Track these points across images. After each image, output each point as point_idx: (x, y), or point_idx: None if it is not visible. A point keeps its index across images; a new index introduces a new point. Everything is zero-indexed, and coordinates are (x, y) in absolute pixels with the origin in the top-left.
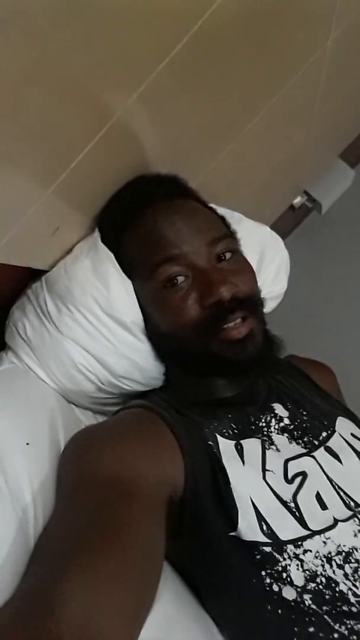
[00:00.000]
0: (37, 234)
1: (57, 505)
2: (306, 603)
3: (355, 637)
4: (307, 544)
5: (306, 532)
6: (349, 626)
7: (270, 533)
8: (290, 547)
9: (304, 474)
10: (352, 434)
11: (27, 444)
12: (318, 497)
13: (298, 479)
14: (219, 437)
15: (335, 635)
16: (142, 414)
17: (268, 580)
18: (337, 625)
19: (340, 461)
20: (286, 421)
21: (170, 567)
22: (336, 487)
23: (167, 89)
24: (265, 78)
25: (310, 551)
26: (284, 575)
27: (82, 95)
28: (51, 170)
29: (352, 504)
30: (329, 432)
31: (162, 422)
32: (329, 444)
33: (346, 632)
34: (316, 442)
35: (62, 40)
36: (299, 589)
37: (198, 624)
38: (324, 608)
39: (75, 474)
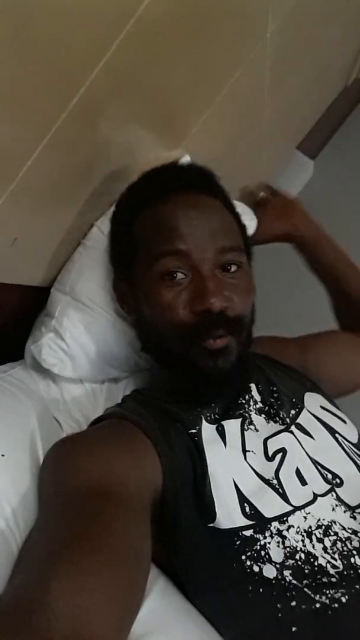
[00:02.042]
0: None
1: (41, 511)
2: (287, 579)
3: (336, 605)
4: (290, 520)
5: (290, 508)
6: (329, 595)
7: (253, 514)
8: (274, 524)
9: (283, 450)
10: (321, 407)
11: (2, 455)
12: (298, 473)
13: (278, 456)
14: (203, 421)
15: (317, 606)
16: (118, 423)
17: (248, 563)
18: (318, 596)
19: (311, 437)
20: (260, 404)
21: (156, 567)
22: (313, 461)
23: (107, 89)
24: (209, 72)
25: (293, 526)
26: (263, 553)
27: (21, 107)
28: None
29: (329, 476)
30: (298, 409)
31: (137, 429)
32: (298, 420)
33: (327, 602)
34: (287, 420)
35: None
36: (278, 565)
37: (187, 615)
38: (304, 582)
39: (59, 482)
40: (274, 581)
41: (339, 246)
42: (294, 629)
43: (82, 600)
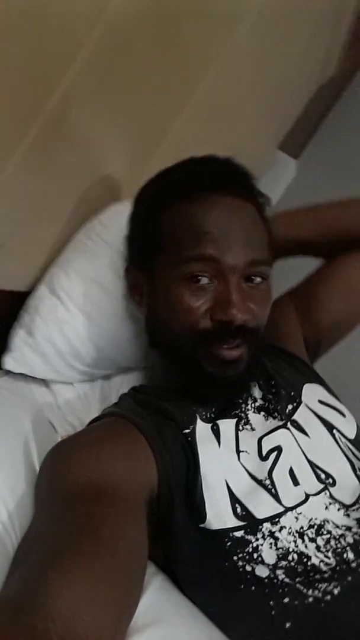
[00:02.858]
0: None
1: (37, 512)
2: (279, 577)
3: (329, 597)
4: (282, 521)
5: (282, 509)
6: (322, 589)
7: (244, 515)
8: (266, 525)
9: (278, 449)
10: (319, 401)
11: None
12: (291, 472)
13: (273, 455)
14: (198, 420)
15: (310, 600)
16: (114, 422)
17: (240, 563)
18: (310, 591)
19: (307, 434)
20: (260, 401)
21: (154, 565)
22: (308, 460)
23: (82, 93)
24: (183, 73)
25: (285, 527)
26: (255, 555)
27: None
28: None
29: (322, 475)
30: (295, 404)
31: (134, 428)
32: (295, 417)
33: (320, 595)
34: (283, 417)
35: None
36: (270, 567)
37: (185, 608)
38: (297, 579)
39: (56, 482)
40: (266, 580)
41: (312, 209)
42: (287, 624)
43: (80, 601)
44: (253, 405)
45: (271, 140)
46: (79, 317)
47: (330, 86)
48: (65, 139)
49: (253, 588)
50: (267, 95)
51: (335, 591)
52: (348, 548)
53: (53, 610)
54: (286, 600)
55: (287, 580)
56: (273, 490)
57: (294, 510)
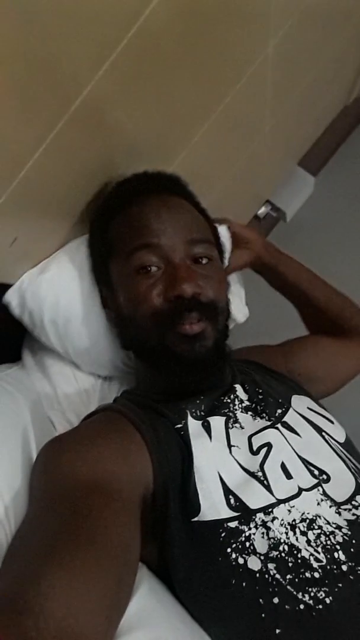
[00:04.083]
0: None
1: (30, 508)
2: (270, 572)
3: (320, 606)
4: (275, 512)
5: (274, 500)
6: (312, 594)
7: (238, 505)
8: (259, 515)
9: (268, 445)
10: (308, 408)
11: None
12: (283, 467)
13: (263, 450)
14: (189, 417)
15: (301, 607)
16: (109, 417)
17: (233, 555)
18: (301, 594)
19: (298, 434)
20: (246, 402)
21: (145, 567)
22: (300, 456)
23: (109, 94)
24: (209, 85)
25: (277, 518)
26: (247, 544)
27: (21, 108)
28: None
29: (316, 472)
30: (284, 409)
31: (128, 423)
32: (285, 419)
33: (311, 602)
34: (273, 419)
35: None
36: (262, 557)
37: (174, 612)
38: (288, 577)
39: (49, 478)
40: (257, 574)
41: (301, 264)
42: (277, 630)
43: (73, 600)
44: (240, 405)
45: (291, 155)
46: (84, 292)
47: (354, 107)
48: (87, 140)
49: (244, 584)
50: (292, 112)
51: (327, 600)
52: (338, 547)
53: (47, 611)
54: (276, 600)
55: (277, 576)
56: (265, 482)
57: (286, 503)
